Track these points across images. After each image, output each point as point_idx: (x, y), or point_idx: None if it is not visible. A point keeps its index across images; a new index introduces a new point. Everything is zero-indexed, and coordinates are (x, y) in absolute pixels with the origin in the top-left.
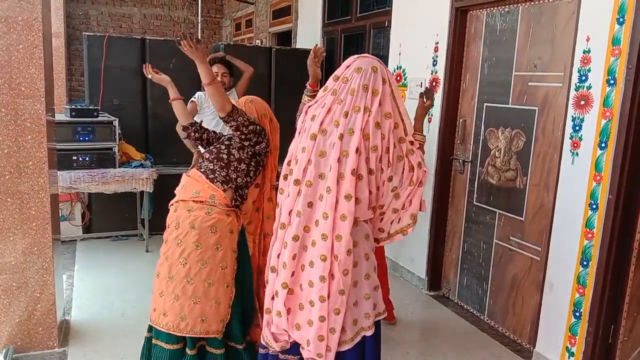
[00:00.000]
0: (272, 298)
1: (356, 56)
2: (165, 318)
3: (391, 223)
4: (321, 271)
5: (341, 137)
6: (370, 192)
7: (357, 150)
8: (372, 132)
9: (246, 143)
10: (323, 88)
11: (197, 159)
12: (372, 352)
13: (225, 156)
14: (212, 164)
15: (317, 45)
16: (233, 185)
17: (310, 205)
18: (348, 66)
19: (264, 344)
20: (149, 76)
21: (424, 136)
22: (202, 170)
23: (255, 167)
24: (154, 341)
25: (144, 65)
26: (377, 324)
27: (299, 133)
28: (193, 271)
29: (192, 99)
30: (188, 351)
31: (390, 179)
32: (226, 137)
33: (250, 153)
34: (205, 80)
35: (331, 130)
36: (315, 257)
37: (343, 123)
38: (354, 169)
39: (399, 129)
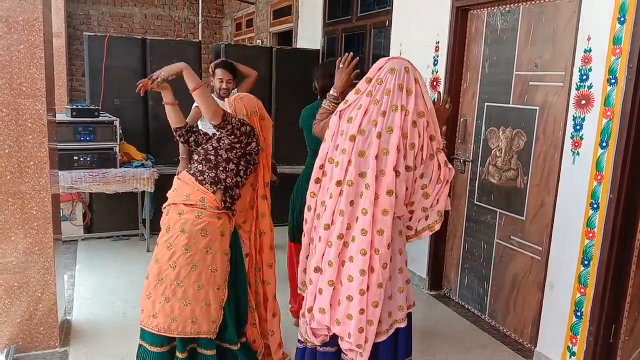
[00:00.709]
0: (315, 297)
1: (387, 58)
2: (154, 319)
3: (418, 221)
4: (361, 265)
5: (379, 135)
6: (406, 189)
7: (397, 147)
8: (409, 130)
9: (237, 145)
10: (354, 91)
11: (185, 165)
12: (405, 343)
13: (212, 157)
14: (200, 165)
15: (348, 53)
16: (222, 186)
17: (351, 203)
18: (380, 68)
19: (301, 339)
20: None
21: (444, 139)
22: (192, 172)
23: (246, 166)
24: (139, 341)
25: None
26: (409, 316)
27: (332, 136)
28: (182, 274)
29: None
30: (178, 354)
31: (421, 176)
32: (215, 138)
33: (239, 153)
34: (191, 85)
35: (369, 130)
36: (355, 252)
37: (381, 122)
38: (394, 166)
39: (430, 127)
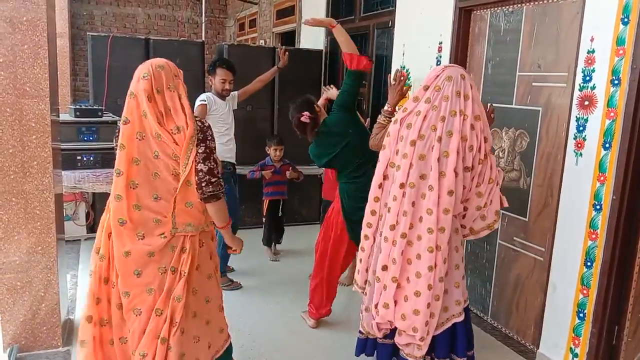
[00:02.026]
0: (380, 293)
1: (443, 66)
2: None
3: (474, 220)
4: (429, 262)
5: (440, 139)
6: (464, 187)
7: (457, 150)
8: (468, 133)
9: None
10: (413, 99)
11: None
12: (464, 337)
13: None
14: None
15: (398, 70)
16: None
17: (413, 204)
18: (437, 76)
19: (363, 331)
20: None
21: None
22: None
23: None
24: None
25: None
26: (466, 311)
27: (393, 143)
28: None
29: (202, 101)
30: None
31: (476, 176)
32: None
33: None
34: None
35: (429, 135)
36: (422, 250)
37: (440, 127)
38: (454, 168)
39: (485, 129)
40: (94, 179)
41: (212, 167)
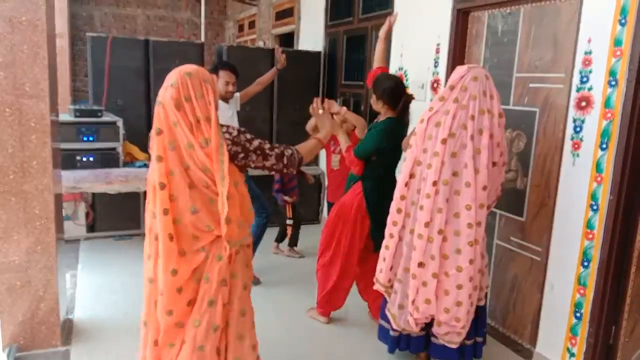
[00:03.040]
0: (418, 289)
1: (467, 67)
2: None
3: None
4: (470, 255)
5: (472, 137)
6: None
7: (487, 146)
8: (496, 130)
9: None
10: (439, 98)
11: None
12: (484, 319)
13: None
14: None
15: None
16: None
17: (447, 200)
18: (462, 76)
19: (397, 328)
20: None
21: None
22: None
23: None
24: None
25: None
26: (485, 295)
27: (423, 140)
28: None
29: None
30: None
31: (499, 167)
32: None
33: None
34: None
35: (459, 133)
36: (462, 244)
37: (471, 125)
38: (486, 163)
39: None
40: (94, 179)
41: (267, 154)
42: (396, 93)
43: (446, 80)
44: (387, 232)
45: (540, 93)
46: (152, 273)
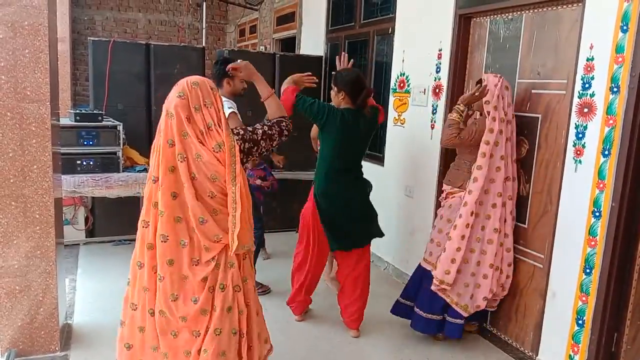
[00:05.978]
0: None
1: (497, 76)
2: None
3: None
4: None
5: (507, 140)
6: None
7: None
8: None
9: None
10: (493, 108)
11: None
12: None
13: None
14: None
15: (479, 83)
16: None
17: (481, 203)
18: (496, 85)
19: (464, 315)
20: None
21: None
22: None
23: None
24: None
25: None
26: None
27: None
28: None
29: (231, 108)
30: None
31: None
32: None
33: None
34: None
35: (500, 139)
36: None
37: (505, 130)
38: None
39: None
40: (94, 183)
41: (271, 135)
42: (357, 85)
43: (448, 86)
44: (456, 245)
45: (543, 99)
46: (147, 282)
